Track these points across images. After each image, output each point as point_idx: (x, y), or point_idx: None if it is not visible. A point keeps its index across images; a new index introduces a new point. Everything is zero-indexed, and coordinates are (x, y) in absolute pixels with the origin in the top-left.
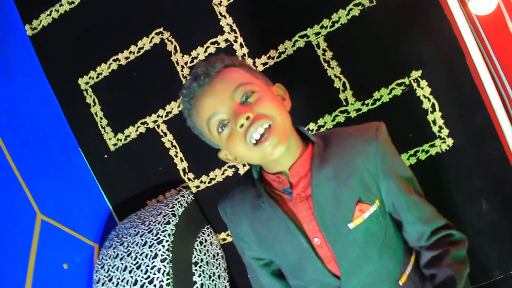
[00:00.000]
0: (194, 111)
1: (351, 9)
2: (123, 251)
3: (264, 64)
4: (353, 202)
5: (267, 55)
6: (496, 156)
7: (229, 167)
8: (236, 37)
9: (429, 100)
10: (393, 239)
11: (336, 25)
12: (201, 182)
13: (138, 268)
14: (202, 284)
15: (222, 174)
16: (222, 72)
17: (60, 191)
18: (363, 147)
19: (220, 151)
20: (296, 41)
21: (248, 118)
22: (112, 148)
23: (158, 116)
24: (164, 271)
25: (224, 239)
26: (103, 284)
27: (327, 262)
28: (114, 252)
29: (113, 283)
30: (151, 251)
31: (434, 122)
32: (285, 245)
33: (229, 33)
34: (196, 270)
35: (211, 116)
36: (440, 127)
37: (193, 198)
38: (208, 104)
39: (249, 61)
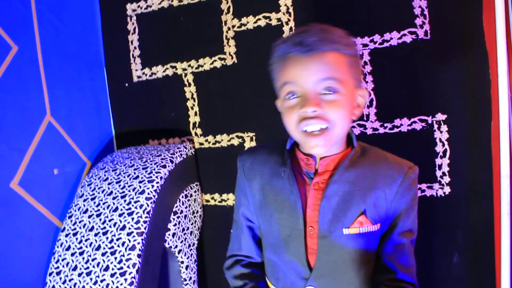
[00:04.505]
0: (280, 64)
1: (404, 35)
2: (114, 178)
3: None
4: (358, 212)
5: None
6: (484, 218)
7: (237, 136)
8: (289, 20)
9: (444, 145)
10: (372, 269)
11: (385, 44)
12: (206, 141)
13: (122, 197)
14: (174, 234)
15: (229, 141)
16: (325, 54)
17: (73, 102)
18: (392, 174)
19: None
20: None
21: (314, 111)
22: (135, 79)
23: (189, 65)
24: (146, 209)
25: (207, 201)
26: (85, 200)
27: (309, 252)
28: (105, 175)
29: (94, 203)
30: (140, 186)
31: (440, 167)
32: (284, 218)
33: (283, 14)
34: (173, 218)
35: (289, 82)
36: (444, 174)
37: (193, 153)
38: (294, 71)
39: None
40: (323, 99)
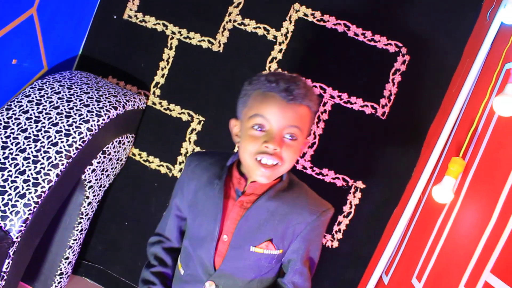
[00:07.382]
0: (260, 98)
1: (366, 106)
2: (66, 95)
3: None
4: (266, 237)
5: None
6: (352, 280)
7: (189, 114)
8: (283, 42)
9: (351, 208)
10: (269, 281)
11: (348, 104)
12: (160, 103)
13: (66, 117)
14: (94, 170)
15: (179, 113)
16: (300, 107)
17: (61, 7)
18: (305, 213)
19: (235, 119)
20: (313, 88)
21: (275, 149)
22: (125, 16)
23: (179, 32)
24: (82, 137)
25: (134, 154)
26: (29, 102)
27: (218, 255)
28: (58, 89)
29: (38, 108)
30: (87, 115)
31: (339, 223)
32: (204, 221)
33: (281, 35)
34: (99, 156)
35: (263, 116)
36: (339, 230)
37: (144, 108)
38: (272, 110)
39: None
40: (284, 141)
